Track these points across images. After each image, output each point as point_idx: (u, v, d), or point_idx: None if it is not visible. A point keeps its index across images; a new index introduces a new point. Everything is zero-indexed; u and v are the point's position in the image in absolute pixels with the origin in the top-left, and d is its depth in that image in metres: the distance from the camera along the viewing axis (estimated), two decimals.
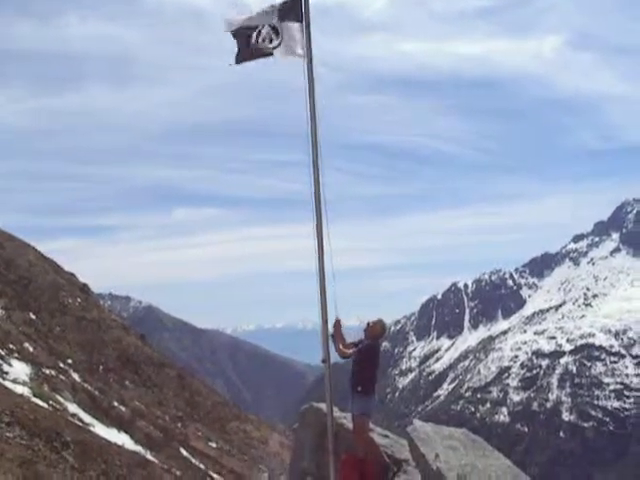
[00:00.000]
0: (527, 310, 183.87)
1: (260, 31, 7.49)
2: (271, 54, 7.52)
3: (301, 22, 7.63)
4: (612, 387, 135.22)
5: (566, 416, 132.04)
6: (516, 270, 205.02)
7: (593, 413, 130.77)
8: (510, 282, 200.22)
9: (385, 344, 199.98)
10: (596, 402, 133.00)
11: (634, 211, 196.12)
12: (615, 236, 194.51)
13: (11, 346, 15.73)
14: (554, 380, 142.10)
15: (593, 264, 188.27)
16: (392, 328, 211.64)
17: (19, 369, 14.22)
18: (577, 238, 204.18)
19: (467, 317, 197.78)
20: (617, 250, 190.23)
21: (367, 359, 8.45)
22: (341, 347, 8.29)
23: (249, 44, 7.48)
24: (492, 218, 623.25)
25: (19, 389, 12.54)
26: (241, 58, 7.54)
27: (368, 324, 8.62)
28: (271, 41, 7.50)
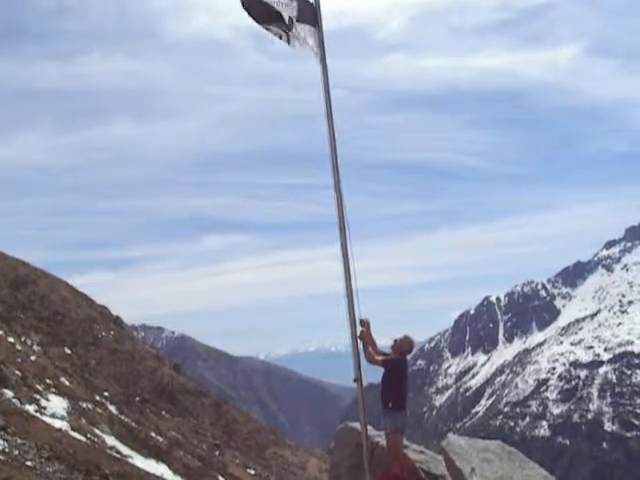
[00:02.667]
0: (562, 321, 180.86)
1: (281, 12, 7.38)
2: (282, 34, 7.45)
3: (315, 26, 7.72)
4: None
5: (608, 427, 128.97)
6: (548, 280, 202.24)
7: (636, 422, 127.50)
8: (543, 293, 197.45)
9: (420, 362, 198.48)
10: (639, 411, 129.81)
11: None
12: None
13: (48, 381, 15.93)
14: (594, 390, 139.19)
15: (627, 270, 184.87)
16: (426, 345, 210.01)
17: (56, 404, 14.38)
18: (609, 244, 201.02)
19: (501, 331, 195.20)
20: None
21: (395, 374, 8.44)
22: (370, 350, 8.27)
23: (266, 13, 7.36)
24: (522, 229, 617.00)
25: (57, 424, 12.68)
26: (254, 15, 7.33)
27: (395, 341, 8.62)
28: (284, 30, 7.48)
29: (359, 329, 7.98)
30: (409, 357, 8.79)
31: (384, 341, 8.89)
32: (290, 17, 7.50)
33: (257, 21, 7.38)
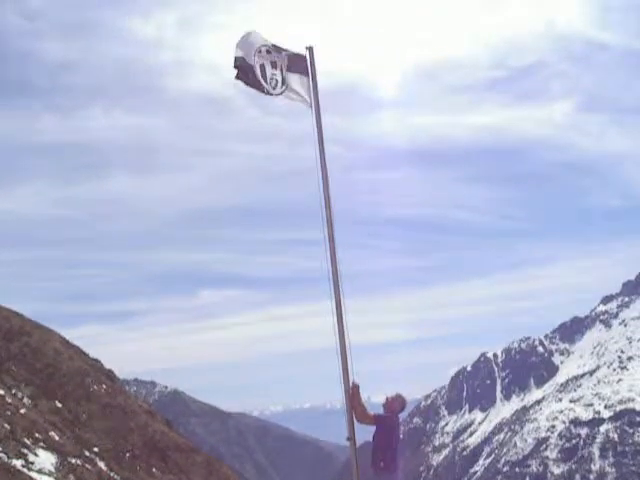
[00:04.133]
0: (560, 377, 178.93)
1: (265, 69, 7.53)
2: (271, 94, 7.59)
3: (307, 76, 7.84)
4: None
5: None
6: (546, 336, 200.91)
7: None
8: (541, 349, 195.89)
9: (416, 420, 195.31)
10: None
11: None
12: None
13: (37, 435, 15.65)
14: (595, 450, 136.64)
15: (625, 325, 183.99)
16: (422, 403, 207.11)
17: (45, 459, 14.10)
18: (606, 299, 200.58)
19: (499, 388, 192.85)
20: None
21: (387, 433, 8.30)
22: (361, 411, 8.05)
23: (253, 74, 7.45)
24: (517, 285, 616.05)
25: None
26: (243, 79, 7.46)
27: (387, 399, 8.50)
28: (275, 87, 7.62)
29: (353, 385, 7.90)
30: (404, 415, 8.69)
31: (379, 398, 8.80)
32: (282, 68, 7.68)
33: (251, 84, 7.50)
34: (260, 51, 7.59)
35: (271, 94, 7.61)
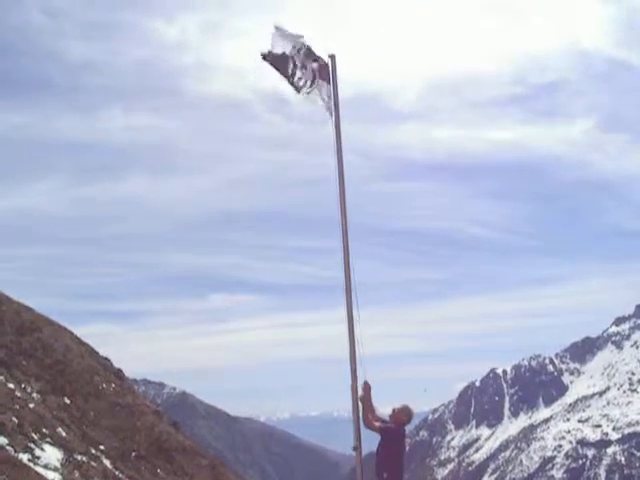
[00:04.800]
0: (570, 397, 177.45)
1: (296, 66, 7.65)
2: (297, 89, 7.70)
3: (328, 82, 7.89)
4: None
5: None
6: (556, 355, 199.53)
7: None
8: (551, 368, 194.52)
9: (423, 433, 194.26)
10: None
11: None
12: None
13: (44, 430, 15.75)
14: (602, 471, 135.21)
15: (637, 347, 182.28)
16: (430, 416, 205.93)
17: (51, 454, 14.18)
18: (619, 321, 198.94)
19: (507, 405, 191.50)
20: None
21: (392, 444, 8.27)
22: (369, 415, 8.10)
23: (282, 65, 7.60)
24: (530, 302, 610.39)
25: (50, 475, 12.48)
26: (271, 61, 7.59)
27: (394, 410, 8.48)
28: (302, 86, 7.71)
29: (361, 394, 7.91)
30: (409, 427, 8.66)
31: (386, 409, 8.78)
32: (313, 70, 7.76)
33: (279, 70, 7.63)
34: (296, 48, 7.69)
35: (296, 87, 7.68)
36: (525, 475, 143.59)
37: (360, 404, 7.89)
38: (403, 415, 8.47)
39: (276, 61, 7.57)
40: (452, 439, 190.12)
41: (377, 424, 8.17)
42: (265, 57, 7.54)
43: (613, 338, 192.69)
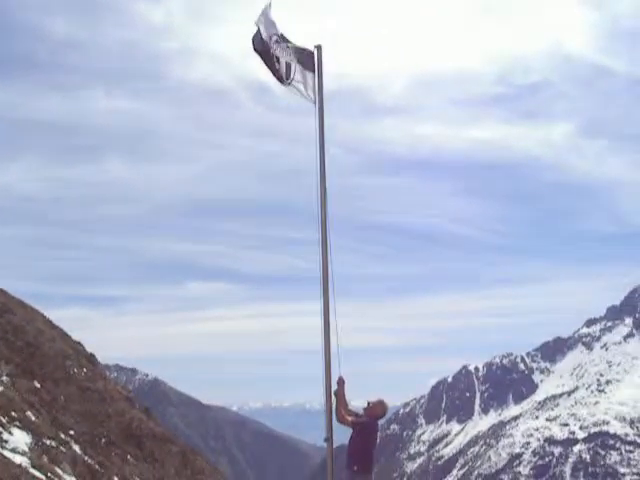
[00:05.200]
0: (539, 395, 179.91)
1: (278, 56, 7.55)
2: (282, 82, 7.62)
3: (314, 72, 7.84)
4: (628, 478, 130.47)
5: None
6: (528, 354, 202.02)
7: None
8: (522, 366, 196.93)
9: (393, 427, 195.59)
10: None
11: None
12: (628, 321, 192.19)
13: (13, 414, 15.58)
14: (567, 469, 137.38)
15: (606, 349, 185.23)
16: (401, 410, 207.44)
17: (19, 438, 14.04)
18: (590, 322, 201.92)
19: (478, 401, 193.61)
20: (630, 335, 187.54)
21: (364, 437, 8.30)
22: (342, 410, 8.11)
23: (270, 57, 7.50)
24: (503, 301, 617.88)
25: (18, 459, 12.36)
26: (260, 53, 7.49)
27: (368, 403, 8.51)
28: (288, 77, 7.64)
29: (335, 387, 7.92)
30: (380, 421, 8.68)
31: (360, 402, 8.81)
32: (289, 61, 7.67)
33: (266, 61, 7.51)
34: (275, 39, 7.59)
35: (283, 82, 7.60)
36: (493, 471, 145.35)
37: (334, 398, 7.91)
38: (379, 409, 8.50)
39: (264, 53, 7.46)
40: (422, 433, 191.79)
41: (349, 419, 8.19)
42: (256, 49, 7.44)
43: (584, 339, 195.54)
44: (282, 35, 7.66)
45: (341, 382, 7.97)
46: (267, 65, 7.51)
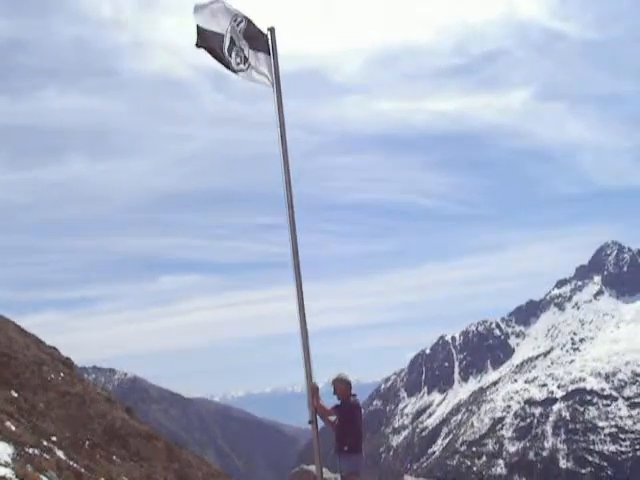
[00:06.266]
0: (516, 359, 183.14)
1: (225, 42, 7.23)
2: (235, 72, 7.36)
3: (269, 54, 7.68)
4: (607, 431, 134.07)
5: (563, 463, 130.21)
6: (502, 319, 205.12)
7: (590, 459, 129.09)
8: (497, 332, 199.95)
9: (376, 402, 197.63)
10: (592, 447, 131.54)
11: (613, 253, 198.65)
12: (597, 279, 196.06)
13: None
14: (548, 428, 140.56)
15: (578, 308, 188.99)
16: (382, 386, 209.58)
17: (1, 449, 13.84)
18: (560, 283, 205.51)
19: (457, 370, 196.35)
20: (600, 293, 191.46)
21: (348, 418, 8.34)
22: (327, 417, 8.20)
23: (217, 47, 7.19)
24: (475, 269, 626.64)
25: (1, 471, 12.19)
26: (206, 48, 7.16)
27: (333, 384, 8.51)
28: (239, 62, 7.38)
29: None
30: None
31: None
32: (240, 49, 7.43)
33: (214, 55, 7.24)
34: (236, 21, 7.35)
35: (234, 70, 7.35)
36: (477, 437, 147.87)
37: (317, 412, 7.92)
38: (341, 385, 8.50)
39: (211, 43, 7.15)
40: (405, 406, 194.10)
41: (330, 410, 8.25)
42: (199, 44, 7.11)
43: (555, 300, 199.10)
44: (245, 17, 7.47)
45: (314, 389, 7.89)
46: (216, 58, 7.28)
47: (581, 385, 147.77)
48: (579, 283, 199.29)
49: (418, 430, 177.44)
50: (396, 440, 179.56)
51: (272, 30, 7.79)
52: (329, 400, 8.35)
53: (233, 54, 7.36)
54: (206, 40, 7.17)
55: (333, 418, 8.25)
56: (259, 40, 7.63)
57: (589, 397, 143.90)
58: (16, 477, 12.28)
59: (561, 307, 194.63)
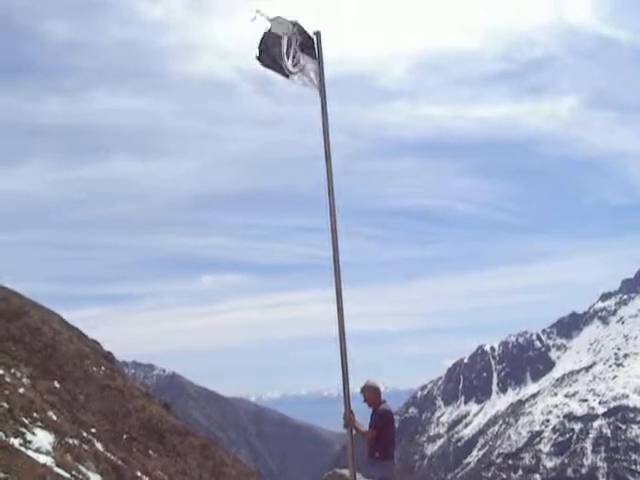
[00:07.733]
0: (557, 372, 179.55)
1: (285, 47, 7.46)
2: (287, 76, 7.53)
3: (315, 58, 7.77)
4: None
5: None
6: (543, 331, 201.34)
7: (631, 478, 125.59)
8: (538, 344, 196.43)
9: (412, 410, 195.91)
10: (634, 467, 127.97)
11: None
12: None
13: (35, 415, 15.74)
14: (588, 445, 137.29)
15: (623, 323, 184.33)
16: (419, 393, 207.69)
17: (42, 438, 14.18)
18: (605, 297, 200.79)
19: (495, 381, 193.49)
20: None
21: (382, 425, 8.30)
22: (368, 437, 8.18)
23: (275, 54, 7.44)
24: (517, 279, 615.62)
25: (42, 459, 12.49)
26: (263, 58, 7.46)
27: (363, 393, 8.49)
28: (295, 65, 7.54)
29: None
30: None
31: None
32: (295, 49, 7.59)
33: (267, 64, 7.44)
34: (295, 25, 7.51)
35: (288, 73, 7.50)
36: (513, 450, 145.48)
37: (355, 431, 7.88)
38: (370, 393, 8.46)
39: (271, 55, 7.38)
40: (441, 415, 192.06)
41: (370, 431, 8.21)
42: (260, 58, 7.40)
43: (599, 314, 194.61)
44: (299, 25, 7.61)
45: (351, 419, 7.81)
46: (269, 66, 7.47)
47: (624, 402, 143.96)
48: (624, 297, 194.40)
49: (454, 440, 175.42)
50: (431, 449, 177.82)
51: (318, 34, 7.84)
52: (361, 406, 8.33)
53: (290, 58, 7.51)
54: (268, 46, 7.41)
55: (371, 433, 8.22)
56: (307, 44, 7.72)
57: (632, 415, 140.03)
58: (56, 465, 12.57)
59: (605, 321, 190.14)
